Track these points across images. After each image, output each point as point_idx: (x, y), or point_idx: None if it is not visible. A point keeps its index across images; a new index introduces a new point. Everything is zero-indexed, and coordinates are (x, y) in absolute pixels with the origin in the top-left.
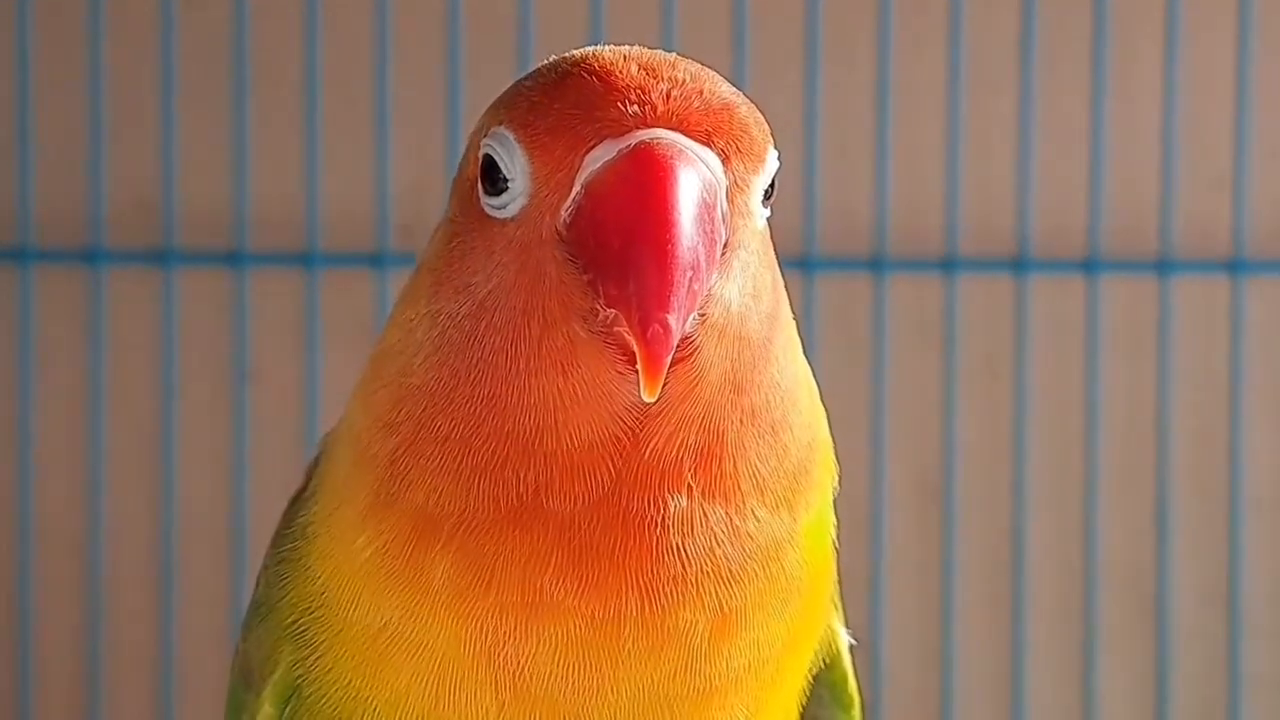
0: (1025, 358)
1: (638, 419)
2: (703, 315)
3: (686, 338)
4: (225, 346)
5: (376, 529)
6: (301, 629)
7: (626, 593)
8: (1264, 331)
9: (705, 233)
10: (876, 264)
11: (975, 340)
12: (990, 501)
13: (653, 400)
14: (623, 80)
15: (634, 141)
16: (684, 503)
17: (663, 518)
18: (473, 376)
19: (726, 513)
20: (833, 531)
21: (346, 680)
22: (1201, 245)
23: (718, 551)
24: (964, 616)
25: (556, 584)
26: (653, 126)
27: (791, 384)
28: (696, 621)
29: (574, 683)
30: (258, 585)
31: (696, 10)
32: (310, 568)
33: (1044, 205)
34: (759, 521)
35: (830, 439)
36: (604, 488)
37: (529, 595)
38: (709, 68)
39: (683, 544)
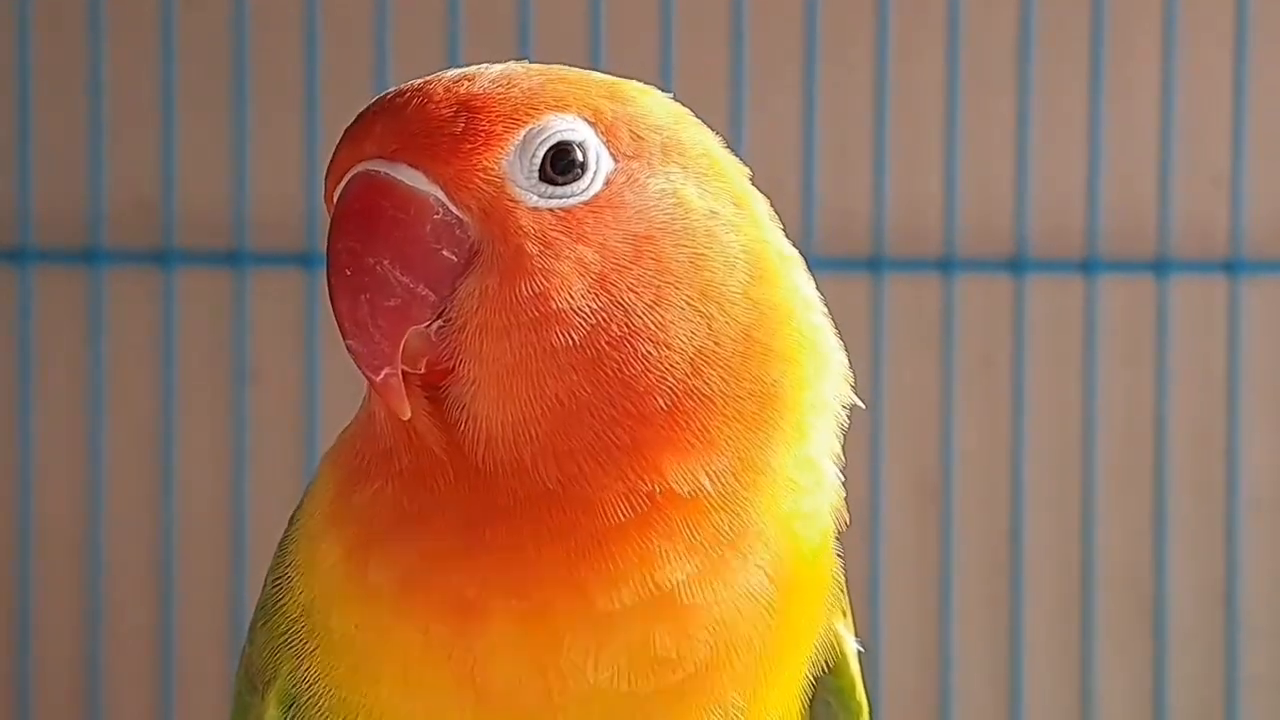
0: (1023, 358)
1: (446, 427)
2: (447, 320)
3: (447, 345)
4: (225, 346)
5: (337, 535)
6: (292, 639)
7: (539, 586)
8: (1262, 331)
9: (399, 251)
10: (875, 264)
11: (974, 340)
12: (989, 502)
13: (407, 418)
14: (358, 121)
15: (344, 182)
16: (547, 492)
17: (525, 510)
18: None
19: (596, 492)
20: (817, 501)
21: (333, 689)
22: (1199, 245)
23: (612, 532)
24: (963, 616)
25: (470, 584)
26: (360, 161)
27: (678, 338)
28: (630, 610)
29: (528, 685)
30: (264, 588)
31: (696, 10)
32: (294, 578)
33: (1042, 205)
34: (659, 494)
35: (802, 399)
36: (450, 492)
37: (452, 596)
38: (558, 66)
39: (565, 530)
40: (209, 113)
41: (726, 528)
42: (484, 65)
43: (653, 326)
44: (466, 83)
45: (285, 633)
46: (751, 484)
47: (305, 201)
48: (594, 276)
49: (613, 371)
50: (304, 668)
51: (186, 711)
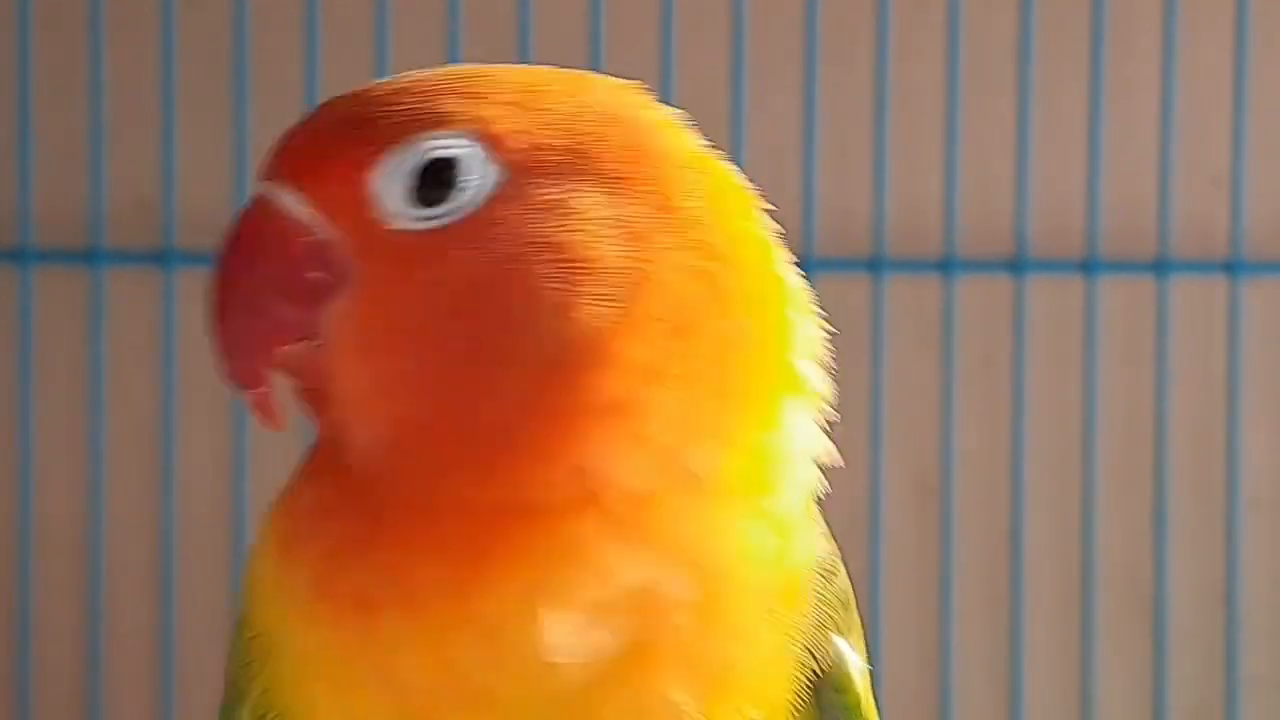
0: (1023, 358)
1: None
2: (321, 340)
3: (319, 364)
4: None
5: (271, 541)
6: (255, 654)
7: (424, 589)
8: (1262, 332)
9: (273, 272)
10: (875, 264)
11: (973, 341)
12: (988, 502)
13: (281, 430)
14: (274, 144)
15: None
16: (423, 503)
17: (408, 517)
18: None
19: (467, 504)
20: (792, 521)
21: (286, 705)
22: (1200, 246)
23: (490, 540)
24: (962, 617)
25: (370, 581)
26: (261, 183)
27: (530, 355)
28: (516, 614)
29: (438, 685)
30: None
31: (696, 10)
32: (251, 590)
33: (1042, 206)
34: (540, 502)
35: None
36: (353, 490)
37: (356, 595)
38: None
39: (443, 539)
40: (209, 113)
41: (620, 529)
42: (405, 74)
43: (505, 344)
44: (357, 100)
45: (245, 648)
46: (678, 485)
47: None
48: (449, 296)
49: (467, 389)
50: (262, 681)
51: (186, 711)
